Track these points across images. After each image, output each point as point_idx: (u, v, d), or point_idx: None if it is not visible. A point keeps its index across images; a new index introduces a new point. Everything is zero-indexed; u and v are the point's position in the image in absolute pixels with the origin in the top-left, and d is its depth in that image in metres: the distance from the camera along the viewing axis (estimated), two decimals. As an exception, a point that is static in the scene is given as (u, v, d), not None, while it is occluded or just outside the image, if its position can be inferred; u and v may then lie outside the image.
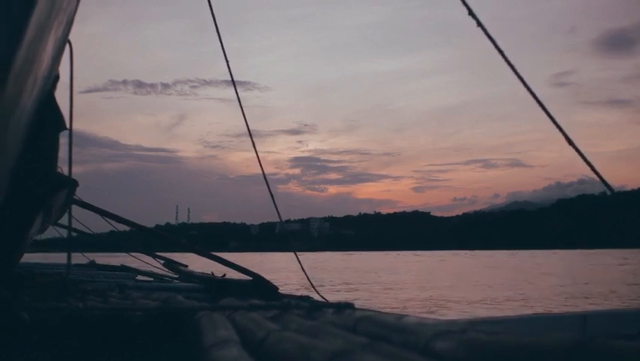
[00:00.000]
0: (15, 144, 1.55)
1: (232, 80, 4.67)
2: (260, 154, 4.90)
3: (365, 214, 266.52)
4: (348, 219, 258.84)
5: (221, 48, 4.46)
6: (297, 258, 5.26)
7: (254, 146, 4.84)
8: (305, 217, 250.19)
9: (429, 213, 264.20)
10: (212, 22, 4.33)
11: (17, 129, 1.49)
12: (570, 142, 2.71)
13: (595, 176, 2.84)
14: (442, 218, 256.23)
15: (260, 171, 4.85)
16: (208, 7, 4.24)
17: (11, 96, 1.27)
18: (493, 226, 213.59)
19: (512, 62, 2.70)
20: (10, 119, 1.35)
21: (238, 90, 4.75)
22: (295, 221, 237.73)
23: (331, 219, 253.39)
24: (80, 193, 3.66)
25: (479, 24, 2.64)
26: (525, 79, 2.71)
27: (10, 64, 1.19)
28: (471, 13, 2.64)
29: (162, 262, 6.44)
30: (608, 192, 2.98)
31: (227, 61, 4.55)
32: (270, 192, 4.92)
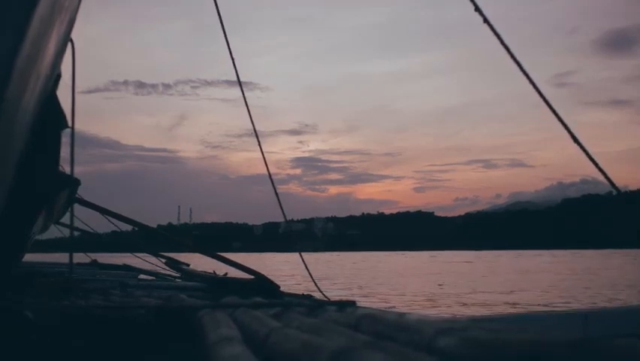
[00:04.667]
0: (18, 143, 1.55)
1: (238, 80, 4.67)
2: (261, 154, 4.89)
3: (368, 214, 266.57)
4: (351, 219, 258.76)
5: (227, 48, 4.46)
6: (302, 258, 5.28)
7: (260, 145, 4.84)
8: (307, 217, 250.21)
9: (432, 213, 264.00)
10: (216, 23, 4.32)
11: (20, 128, 1.49)
12: (576, 140, 2.70)
13: (599, 175, 2.83)
14: (445, 218, 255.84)
15: (261, 171, 4.89)
16: (209, 8, 4.24)
17: (15, 94, 1.27)
18: (498, 226, 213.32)
19: (518, 59, 2.69)
20: (14, 117, 1.35)
21: (239, 90, 4.76)
22: (299, 221, 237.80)
23: (334, 220, 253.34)
24: (80, 193, 3.66)
25: (486, 20, 2.63)
26: (531, 76, 2.70)
27: (14, 61, 1.19)
28: (477, 9, 2.63)
29: (164, 261, 6.44)
30: (614, 192, 2.97)
31: (233, 60, 4.55)
32: (275, 190, 4.92)
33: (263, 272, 3.72)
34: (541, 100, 2.76)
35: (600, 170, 2.79)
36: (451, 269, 34.18)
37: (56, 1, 1.44)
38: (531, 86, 2.72)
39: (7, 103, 1.23)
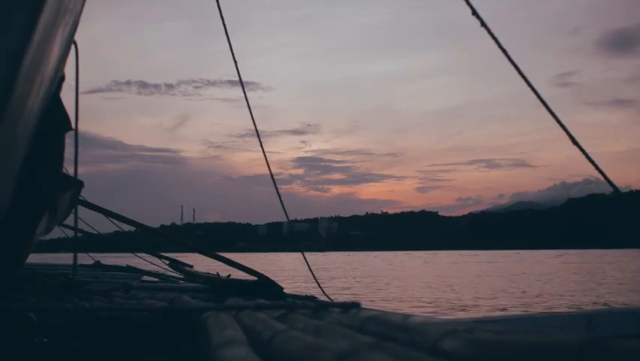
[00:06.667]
0: (22, 145, 1.55)
1: (240, 80, 4.68)
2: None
3: (372, 214, 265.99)
4: (354, 219, 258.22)
5: (229, 49, 4.48)
6: (305, 258, 5.28)
7: (261, 145, 4.85)
8: (310, 217, 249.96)
9: (436, 213, 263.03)
10: (217, 23, 4.34)
11: (24, 130, 1.50)
12: (575, 142, 2.70)
13: (601, 176, 2.83)
14: (450, 218, 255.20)
15: (264, 171, 4.88)
16: (212, 8, 4.25)
17: (20, 96, 1.27)
18: (503, 226, 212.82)
19: (515, 61, 2.70)
20: (18, 119, 1.35)
21: (242, 90, 4.77)
22: (303, 221, 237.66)
23: (338, 219, 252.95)
24: (84, 194, 3.67)
25: (483, 24, 2.64)
26: (528, 79, 2.71)
27: (19, 63, 1.20)
28: (475, 12, 2.64)
29: (167, 262, 6.46)
30: (616, 193, 2.97)
31: (235, 61, 4.55)
32: (277, 191, 4.92)
33: (268, 272, 3.73)
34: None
35: (599, 170, 2.79)
36: (493, 271, 32.14)
37: (61, 4, 1.44)
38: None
39: (12, 105, 1.23)
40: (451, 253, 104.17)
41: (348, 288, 18.08)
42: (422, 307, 12.14)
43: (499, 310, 11.93)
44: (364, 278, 24.46)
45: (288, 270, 30.58)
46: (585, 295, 15.42)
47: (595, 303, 13.04)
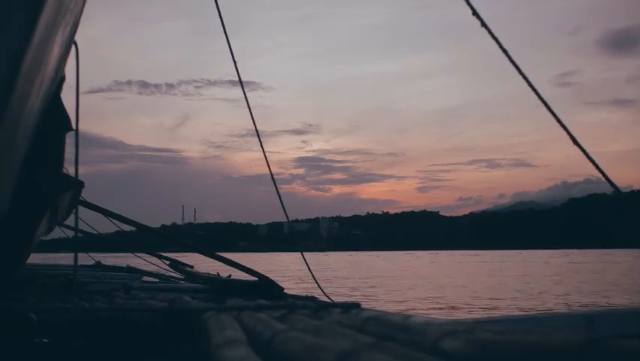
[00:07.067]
0: (22, 145, 1.55)
1: (240, 80, 4.68)
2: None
3: (373, 214, 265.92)
4: (355, 218, 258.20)
5: (229, 49, 4.47)
6: (304, 258, 5.27)
7: (261, 145, 4.85)
8: (311, 217, 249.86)
9: (437, 212, 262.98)
10: (217, 24, 4.34)
11: (25, 130, 1.50)
12: (575, 142, 2.70)
13: (601, 176, 2.83)
14: (450, 218, 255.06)
15: (264, 171, 4.87)
16: (212, 8, 4.25)
17: (20, 96, 1.27)
18: (503, 226, 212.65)
19: (516, 61, 2.70)
20: (19, 119, 1.35)
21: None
22: (303, 221, 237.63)
23: (339, 219, 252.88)
24: (84, 194, 3.67)
25: (483, 24, 2.64)
26: (529, 79, 2.71)
27: (19, 63, 1.20)
28: (475, 13, 2.64)
29: (168, 262, 6.45)
30: (616, 193, 2.97)
31: (235, 62, 4.56)
32: (277, 191, 4.92)
33: (269, 273, 3.73)
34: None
35: (600, 171, 2.78)
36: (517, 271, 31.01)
37: (61, 4, 1.44)
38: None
39: (12, 105, 1.23)
40: (452, 253, 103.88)
41: (357, 288, 18.05)
42: (439, 309, 12.06)
43: (521, 311, 11.85)
44: (371, 279, 24.20)
45: (292, 270, 30.42)
46: (601, 296, 15.32)
47: (616, 305, 12.94)
